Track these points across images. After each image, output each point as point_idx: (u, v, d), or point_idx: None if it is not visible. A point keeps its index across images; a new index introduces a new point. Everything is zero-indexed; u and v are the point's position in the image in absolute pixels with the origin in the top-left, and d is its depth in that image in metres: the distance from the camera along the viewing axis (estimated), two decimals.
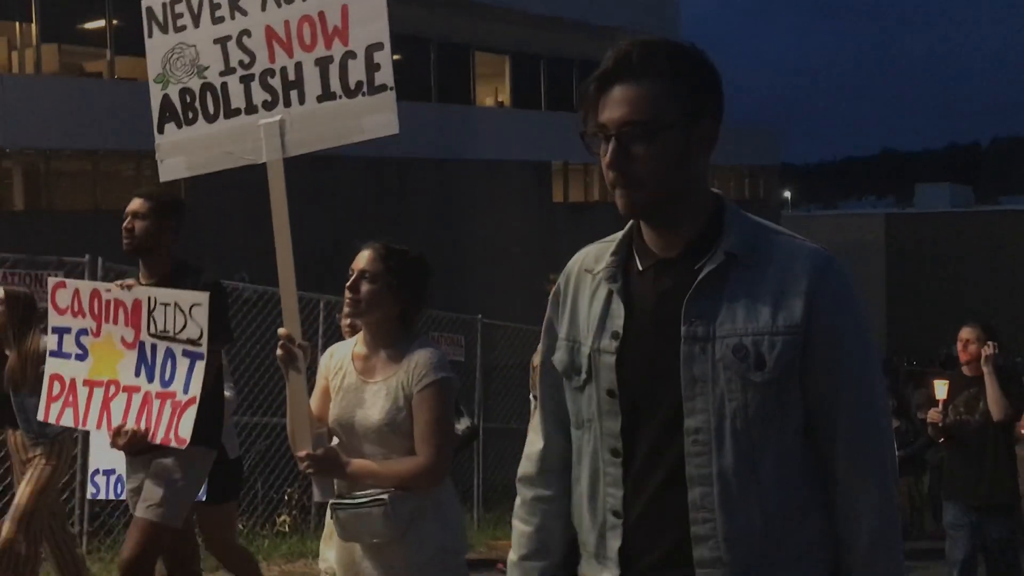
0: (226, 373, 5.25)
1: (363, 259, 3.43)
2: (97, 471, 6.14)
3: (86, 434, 6.48)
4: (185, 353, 4.10)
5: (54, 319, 4.42)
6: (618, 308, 1.98)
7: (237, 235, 17.19)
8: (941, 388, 6.47)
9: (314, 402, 3.53)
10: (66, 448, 5.64)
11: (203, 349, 4.07)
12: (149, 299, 4.18)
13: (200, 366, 4.09)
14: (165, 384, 4.14)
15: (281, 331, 3.43)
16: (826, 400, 1.92)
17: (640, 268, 2.01)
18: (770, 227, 2.00)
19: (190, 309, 4.08)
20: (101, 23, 18.89)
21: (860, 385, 1.93)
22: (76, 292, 4.38)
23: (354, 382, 3.45)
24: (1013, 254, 44.82)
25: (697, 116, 1.93)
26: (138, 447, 4.24)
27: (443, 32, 23.88)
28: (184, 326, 4.10)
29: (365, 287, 3.38)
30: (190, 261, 4.59)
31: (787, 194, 53.17)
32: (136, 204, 4.42)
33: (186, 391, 4.09)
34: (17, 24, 19.16)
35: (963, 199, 60.04)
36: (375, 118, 3.46)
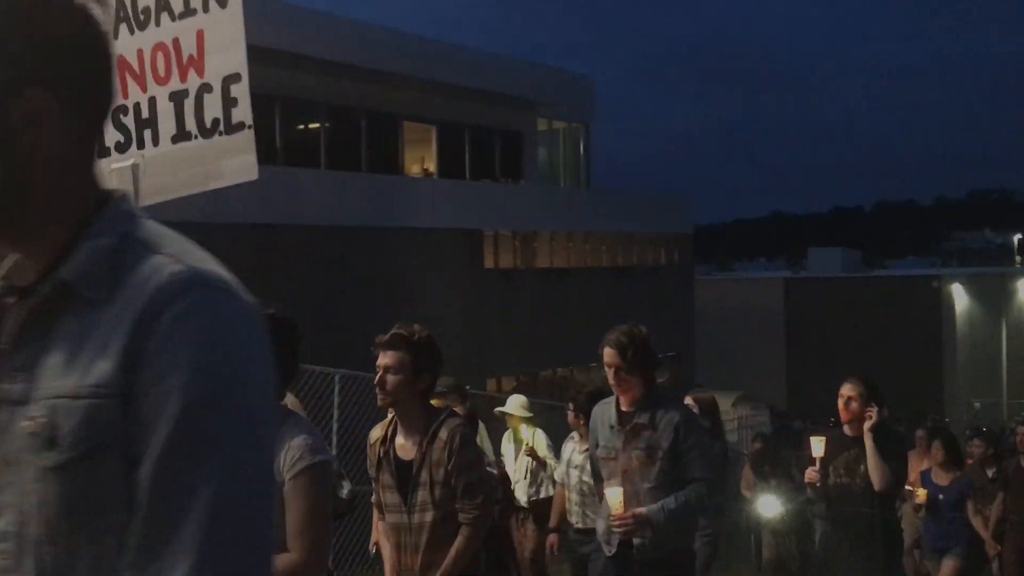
0: None
1: None
2: None
3: None
4: None
5: None
6: None
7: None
8: (818, 445, 5.93)
9: None
10: None
11: None
12: None
13: None
14: None
15: None
16: (138, 490, 1.26)
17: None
18: (151, 243, 1.36)
19: None
20: None
21: (175, 472, 1.24)
22: None
23: None
24: (902, 318, 47.04)
25: (17, 86, 1.31)
26: None
27: (372, 102, 24.64)
28: None
29: None
30: None
31: None
32: None
33: None
34: None
35: (852, 263, 62.46)
36: (234, 162, 3.13)
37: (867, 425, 5.77)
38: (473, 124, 27.86)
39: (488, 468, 5.83)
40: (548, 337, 25.65)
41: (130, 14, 3.27)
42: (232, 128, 3.16)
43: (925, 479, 8.68)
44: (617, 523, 4.75)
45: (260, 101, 17.08)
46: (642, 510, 4.77)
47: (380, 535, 4.55)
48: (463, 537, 4.13)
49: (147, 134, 3.30)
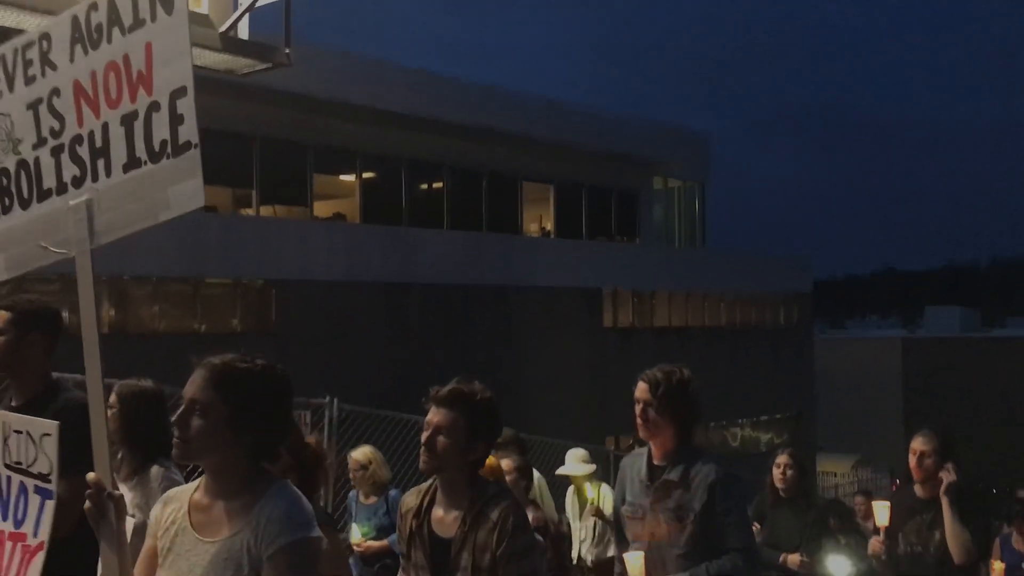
0: None
1: (191, 385, 2.64)
2: None
3: None
4: (37, 490, 3.38)
5: None
6: None
7: (322, 358, 18.05)
8: (883, 512, 5.23)
9: (138, 569, 2.74)
10: None
11: (52, 487, 3.31)
12: (3, 425, 3.47)
13: (50, 507, 3.32)
14: (18, 524, 3.44)
15: (90, 476, 2.74)
16: None
17: None
18: None
19: (40, 439, 3.33)
20: None
21: None
22: None
23: (188, 541, 2.63)
24: None
25: None
26: None
27: (493, 163, 25.19)
28: (35, 458, 3.35)
29: (194, 422, 2.60)
30: (68, 381, 4.03)
31: None
32: None
33: (36, 534, 3.35)
34: None
35: (971, 322, 60.87)
36: (180, 187, 2.92)
37: (944, 486, 5.06)
38: (590, 184, 28.21)
39: (549, 525, 5.56)
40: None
41: (84, 34, 3.15)
42: (179, 149, 2.94)
43: (1005, 547, 8.07)
44: None
45: (387, 162, 17.68)
46: None
47: None
48: None
49: (100, 164, 3.09)
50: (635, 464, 4.43)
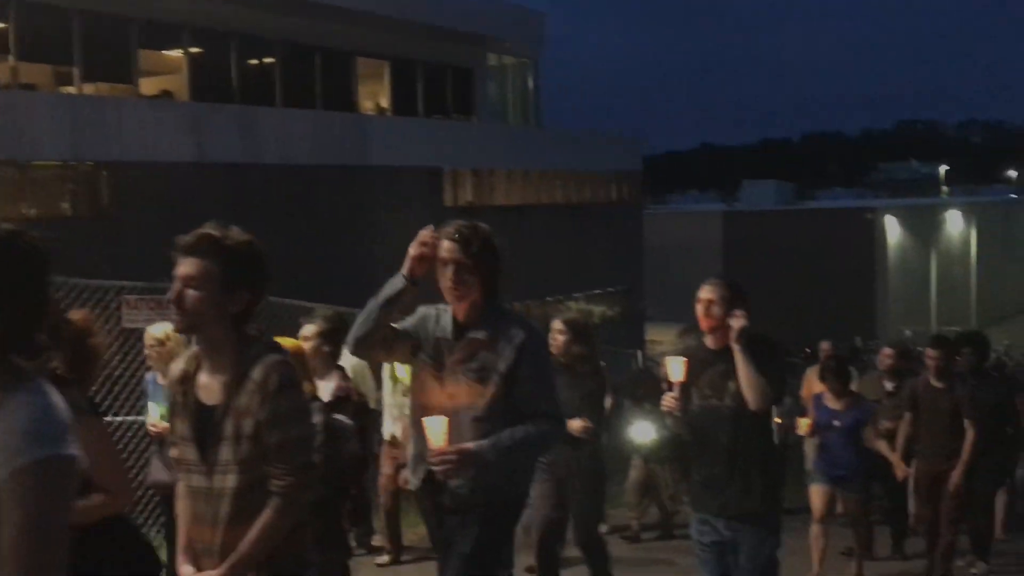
0: None
1: None
2: None
3: None
4: None
5: None
6: None
7: (161, 243, 17.48)
8: (676, 367, 4.86)
9: None
10: None
11: None
12: None
13: None
14: None
15: None
16: None
17: None
18: None
19: None
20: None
21: None
22: None
23: None
24: (837, 249, 48.25)
25: None
26: None
27: (326, 38, 24.52)
28: None
29: None
30: None
31: None
32: None
33: None
34: None
35: (785, 195, 63.70)
36: None
37: (735, 334, 4.76)
38: (425, 60, 27.83)
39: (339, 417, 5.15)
40: (507, 272, 25.93)
41: None
42: None
43: (818, 405, 8.10)
44: (437, 459, 3.78)
45: (216, 37, 17.09)
46: (469, 446, 3.81)
47: (178, 500, 3.39)
48: (271, 511, 3.11)
49: None
50: (441, 317, 4.03)
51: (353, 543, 7.08)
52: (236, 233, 3.14)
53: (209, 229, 3.14)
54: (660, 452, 9.23)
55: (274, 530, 3.12)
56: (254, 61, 24.17)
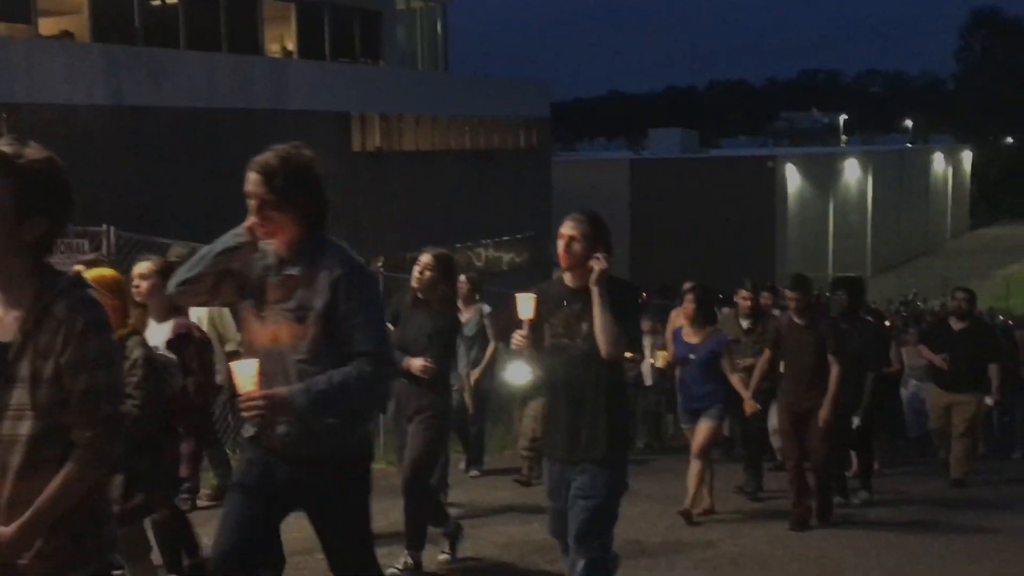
0: None
1: None
2: None
3: None
4: None
5: None
6: None
7: None
8: (526, 304, 4.66)
9: None
10: None
11: None
12: None
13: None
14: None
15: None
16: None
17: None
18: None
19: None
20: None
21: None
22: None
23: None
24: (739, 196, 49.33)
25: None
26: None
27: None
28: None
29: None
30: None
31: None
32: None
33: None
34: None
35: (690, 143, 64.52)
36: None
37: (593, 276, 4.60)
38: (332, 2, 27.58)
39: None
40: (417, 218, 26.18)
41: None
42: None
43: (676, 339, 8.22)
44: (244, 404, 3.56)
45: None
46: (280, 390, 3.58)
47: None
48: (74, 464, 2.75)
49: None
50: (267, 255, 3.77)
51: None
52: (33, 150, 2.72)
53: (1, 145, 2.72)
54: (533, 394, 9.06)
55: (77, 485, 2.75)
56: (157, 2, 23.73)
